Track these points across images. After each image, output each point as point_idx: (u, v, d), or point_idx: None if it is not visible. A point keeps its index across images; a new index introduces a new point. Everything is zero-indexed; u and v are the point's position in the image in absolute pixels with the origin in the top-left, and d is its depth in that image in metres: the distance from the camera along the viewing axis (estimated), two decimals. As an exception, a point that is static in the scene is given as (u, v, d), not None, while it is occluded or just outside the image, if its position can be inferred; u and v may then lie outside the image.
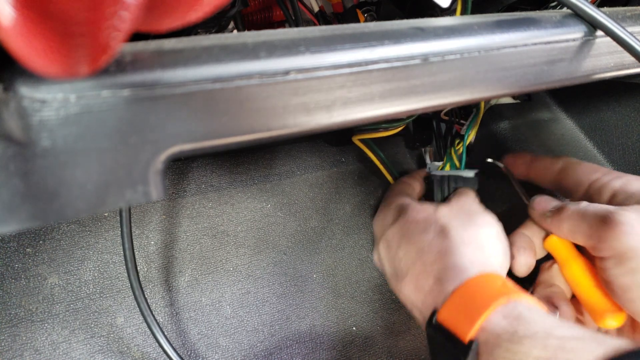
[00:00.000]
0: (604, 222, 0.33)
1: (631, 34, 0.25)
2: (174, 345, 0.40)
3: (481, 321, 0.28)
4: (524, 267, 0.40)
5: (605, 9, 0.29)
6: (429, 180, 0.51)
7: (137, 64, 0.16)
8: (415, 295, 0.35)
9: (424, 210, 0.41)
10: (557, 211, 0.38)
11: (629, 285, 0.32)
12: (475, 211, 0.40)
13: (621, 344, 0.24)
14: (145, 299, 0.38)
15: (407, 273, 0.37)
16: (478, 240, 0.37)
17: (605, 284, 0.35)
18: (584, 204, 0.36)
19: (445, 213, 0.40)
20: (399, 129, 0.47)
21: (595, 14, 0.25)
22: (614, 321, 0.36)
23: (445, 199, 0.49)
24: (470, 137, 0.55)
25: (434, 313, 0.32)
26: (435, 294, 0.33)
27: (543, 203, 0.40)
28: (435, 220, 0.39)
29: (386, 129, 0.47)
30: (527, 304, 0.29)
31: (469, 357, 0.27)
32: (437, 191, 0.50)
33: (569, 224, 0.36)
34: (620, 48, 0.25)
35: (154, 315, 0.39)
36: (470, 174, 0.50)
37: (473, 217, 0.39)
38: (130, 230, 0.38)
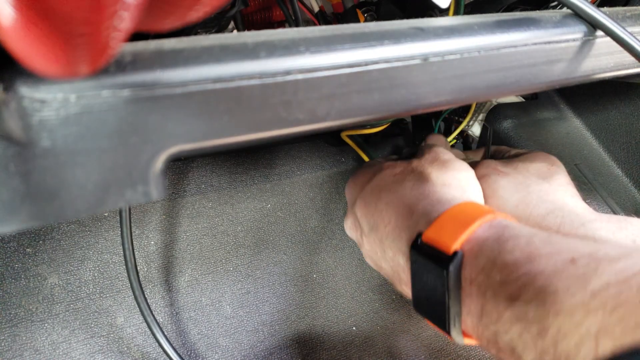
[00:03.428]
0: None
1: (631, 34, 0.25)
2: (174, 345, 0.40)
3: (467, 232, 0.27)
4: None
5: (605, 9, 0.29)
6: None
7: (137, 64, 0.15)
8: (399, 235, 0.33)
9: (399, 165, 0.40)
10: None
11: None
12: (449, 158, 0.40)
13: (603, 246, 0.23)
14: (145, 299, 0.38)
15: (389, 220, 0.35)
16: (458, 182, 0.37)
17: None
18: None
19: (420, 163, 0.39)
20: (385, 125, 0.48)
21: (595, 14, 0.25)
22: None
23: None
24: (459, 128, 0.56)
25: (418, 235, 0.30)
26: (422, 223, 0.31)
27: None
28: (413, 169, 0.39)
29: (373, 126, 0.48)
30: (514, 220, 0.29)
31: (450, 267, 0.26)
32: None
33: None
34: (620, 48, 0.25)
35: (153, 315, 0.39)
36: None
37: (448, 163, 0.39)
38: (130, 230, 0.38)
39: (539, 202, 0.36)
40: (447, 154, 0.40)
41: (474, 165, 0.42)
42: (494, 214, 0.29)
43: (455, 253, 0.27)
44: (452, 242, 0.27)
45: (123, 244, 0.38)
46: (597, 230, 0.33)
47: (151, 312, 0.39)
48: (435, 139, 0.48)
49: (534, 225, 0.35)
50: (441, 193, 0.34)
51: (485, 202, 0.39)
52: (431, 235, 0.29)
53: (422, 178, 0.37)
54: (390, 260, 0.35)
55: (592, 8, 0.25)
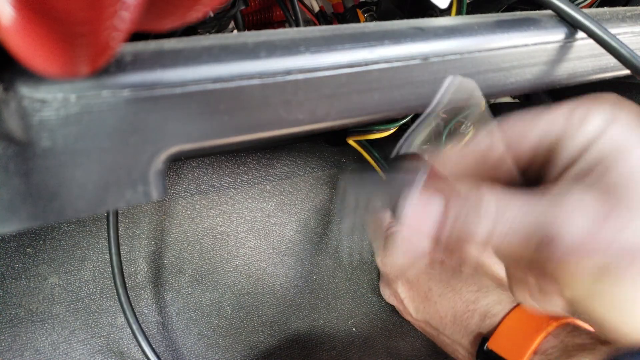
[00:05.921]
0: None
1: (614, 36, 0.25)
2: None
3: (534, 346, 0.29)
4: None
5: (606, 9, 0.29)
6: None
7: (137, 64, 0.15)
8: (461, 334, 0.36)
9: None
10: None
11: None
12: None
13: None
14: (131, 306, 0.38)
15: (445, 313, 0.37)
16: None
17: None
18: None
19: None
20: (393, 130, 0.47)
21: (578, 16, 0.25)
22: None
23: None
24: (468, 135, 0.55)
25: (483, 341, 0.33)
26: (485, 327, 0.34)
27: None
28: (463, 259, 0.38)
29: (380, 131, 0.47)
30: (574, 325, 0.31)
31: None
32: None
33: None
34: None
35: (139, 323, 0.38)
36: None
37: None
38: (117, 235, 0.38)
39: None
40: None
41: None
42: (556, 322, 0.30)
43: None
44: (520, 357, 0.29)
45: (110, 249, 0.38)
46: None
47: (137, 319, 0.38)
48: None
49: None
50: (498, 291, 0.36)
51: None
52: (498, 345, 0.32)
53: (474, 270, 0.38)
54: (447, 345, 0.38)
55: (575, 10, 0.25)
